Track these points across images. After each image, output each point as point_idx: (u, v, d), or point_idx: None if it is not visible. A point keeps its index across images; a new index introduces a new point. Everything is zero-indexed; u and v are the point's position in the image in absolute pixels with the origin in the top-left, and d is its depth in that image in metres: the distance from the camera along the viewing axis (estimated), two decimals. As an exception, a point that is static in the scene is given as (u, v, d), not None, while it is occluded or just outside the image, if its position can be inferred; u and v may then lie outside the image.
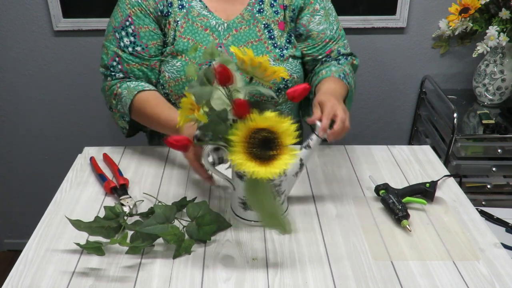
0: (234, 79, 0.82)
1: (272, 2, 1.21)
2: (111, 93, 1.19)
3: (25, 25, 1.73)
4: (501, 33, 1.56)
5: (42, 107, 1.89)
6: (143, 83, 1.19)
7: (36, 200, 2.06)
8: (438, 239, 0.91)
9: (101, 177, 1.08)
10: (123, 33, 1.16)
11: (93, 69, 1.81)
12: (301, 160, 0.92)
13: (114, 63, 1.18)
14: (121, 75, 1.19)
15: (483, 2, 1.60)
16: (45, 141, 1.96)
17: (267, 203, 0.81)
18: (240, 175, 0.90)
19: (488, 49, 1.59)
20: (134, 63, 1.18)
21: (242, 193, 0.92)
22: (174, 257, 0.85)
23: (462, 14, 1.62)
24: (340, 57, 1.26)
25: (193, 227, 0.89)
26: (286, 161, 0.78)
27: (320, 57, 1.26)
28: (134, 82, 1.19)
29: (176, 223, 0.90)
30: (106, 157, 1.16)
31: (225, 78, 0.80)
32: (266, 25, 1.20)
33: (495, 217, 1.32)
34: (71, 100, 1.88)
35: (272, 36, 1.20)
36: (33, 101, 1.88)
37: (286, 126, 0.78)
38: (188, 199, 1.00)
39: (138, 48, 1.17)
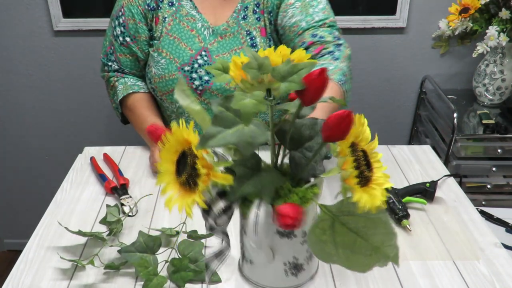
0: None
1: (255, 8, 1.19)
2: (108, 84, 1.27)
3: (25, 25, 1.73)
4: (501, 33, 1.56)
5: (42, 107, 1.89)
6: (139, 83, 1.26)
7: (36, 200, 2.06)
8: (438, 239, 0.91)
9: (101, 177, 1.08)
10: (117, 22, 1.21)
11: (93, 69, 1.81)
12: None
13: (111, 51, 1.24)
14: (116, 66, 1.24)
15: (483, 2, 1.60)
16: (45, 141, 1.96)
17: (366, 237, 0.57)
18: (287, 233, 0.64)
19: (488, 49, 1.59)
20: (124, 54, 1.23)
21: (290, 254, 0.67)
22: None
23: (462, 14, 1.63)
24: (332, 47, 1.12)
25: (170, 267, 0.81)
26: (381, 170, 0.58)
27: (295, 47, 1.13)
28: (132, 80, 1.25)
29: (166, 252, 0.85)
30: (106, 157, 1.16)
31: (320, 92, 0.55)
32: (248, 32, 1.19)
33: (495, 217, 1.32)
34: (71, 100, 1.88)
35: (254, 44, 1.19)
36: (33, 101, 1.88)
37: (363, 129, 0.58)
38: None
39: (128, 39, 1.21)
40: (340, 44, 1.14)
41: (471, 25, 1.64)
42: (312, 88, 0.54)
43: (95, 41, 1.76)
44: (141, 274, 0.79)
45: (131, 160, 1.17)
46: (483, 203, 1.61)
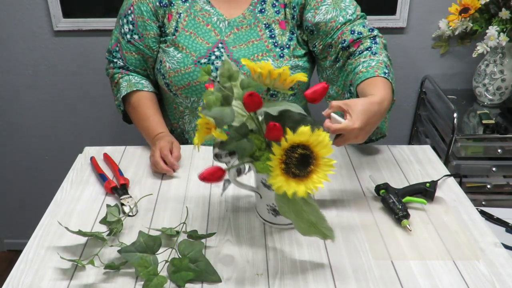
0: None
1: (274, 1, 1.21)
2: (112, 81, 1.27)
3: (25, 25, 1.73)
4: (501, 33, 1.56)
5: (42, 107, 1.89)
6: (144, 81, 1.26)
7: (36, 200, 2.06)
8: (438, 239, 0.91)
9: (101, 177, 1.08)
10: (125, 20, 1.22)
11: (93, 69, 1.81)
12: None
13: (117, 48, 1.25)
14: (121, 63, 1.25)
15: (483, 2, 1.60)
16: (45, 141, 1.96)
17: (306, 214, 0.78)
18: (268, 185, 0.86)
19: (488, 49, 1.59)
20: (131, 51, 1.23)
21: (270, 200, 0.90)
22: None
23: (462, 14, 1.63)
24: (369, 41, 1.16)
25: (170, 267, 0.81)
26: (325, 173, 0.76)
27: (334, 43, 1.18)
28: (136, 78, 1.25)
29: (166, 252, 0.85)
30: (106, 157, 1.16)
31: (255, 106, 0.76)
32: (267, 25, 1.20)
33: (495, 217, 1.32)
34: (71, 100, 1.88)
35: (273, 35, 1.20)
36: (33, 101, 1.88)
37: (320, 138, 0.75)
38: (188, 201, 1.00)
39: (135, 37, 1.21)
40: (375, 36, 1.17)
41: (471, 25, 1.64)
42: (247, 101, 0.76)
43: (95, 41, 1.76)
44: (141, 274, 0.79)
45: (131, 160, 1.17)
46: (483, 203, 1.61)
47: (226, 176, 0.83)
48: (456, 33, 1.68)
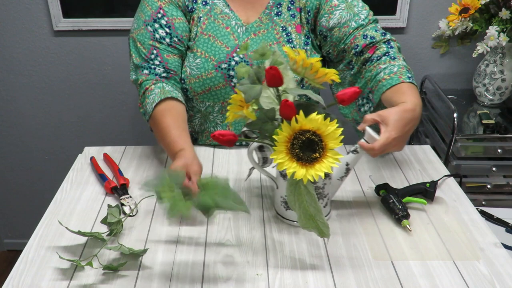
0: (284, 81, 0.82)
1: (289, 5, 1.20)
2: (143, 87, 1.15)
3: (25, 25, 1.73)
4: (501, 33, 1.56)
5: (42, 107, 1.89)
6: (177, 92, 1.16)
7: (36, 200, 2.06)
8: (438, 239, 0.91)
9: (101, 177, 1.08)
10: (156, 25, 1.16)
11: (93, 69, 1.81)
12: (347, 164, 0.92)
13: (152, 56, 1.16)
14: (161, 69, 1.16)
15: (483, 2, 1.60)
16: (45, 141, 1.96)
17: (307, 204, 0.80)
18: (284, 175, 0.90)
19: (488, 49, 1.59)
20: (173, 54, 1.17)
21: (284, 192, 0.91)
22: (167, 217, 0.82)
23: (462, 14, 1.63)
24: (384, 46, 1.14)
25: (195, 200, 0.83)
26: (329, 164, 0.78)
27: (347, 48, 1.18)
28: (170, 87, 1.15)
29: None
30: (106, 157, 1.16)
31: (275, 80, 0.80)
32: (284, 28, 1.19)
33: (495, 217, 1.32)
34: (71, 100, 1.88)
35: (291, 40, 1.19)
36: (33, 101, 1.88)
37: (331, 129, 0.77)
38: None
39: (176, 39, 1.17)
40: (389, 40, 1.17)
41: (471, 25, 1.64)
42: (267, 74, 0.80)
43: (95, 41, 1.76)
44: (165, 200, 0.79)
45: (131, 160, 1.17)
46: (483, 203, 1.60)
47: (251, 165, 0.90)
48: (456, 33, 1.68)
